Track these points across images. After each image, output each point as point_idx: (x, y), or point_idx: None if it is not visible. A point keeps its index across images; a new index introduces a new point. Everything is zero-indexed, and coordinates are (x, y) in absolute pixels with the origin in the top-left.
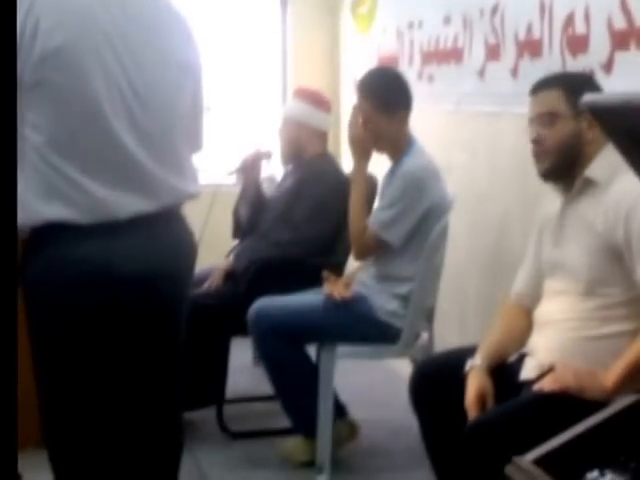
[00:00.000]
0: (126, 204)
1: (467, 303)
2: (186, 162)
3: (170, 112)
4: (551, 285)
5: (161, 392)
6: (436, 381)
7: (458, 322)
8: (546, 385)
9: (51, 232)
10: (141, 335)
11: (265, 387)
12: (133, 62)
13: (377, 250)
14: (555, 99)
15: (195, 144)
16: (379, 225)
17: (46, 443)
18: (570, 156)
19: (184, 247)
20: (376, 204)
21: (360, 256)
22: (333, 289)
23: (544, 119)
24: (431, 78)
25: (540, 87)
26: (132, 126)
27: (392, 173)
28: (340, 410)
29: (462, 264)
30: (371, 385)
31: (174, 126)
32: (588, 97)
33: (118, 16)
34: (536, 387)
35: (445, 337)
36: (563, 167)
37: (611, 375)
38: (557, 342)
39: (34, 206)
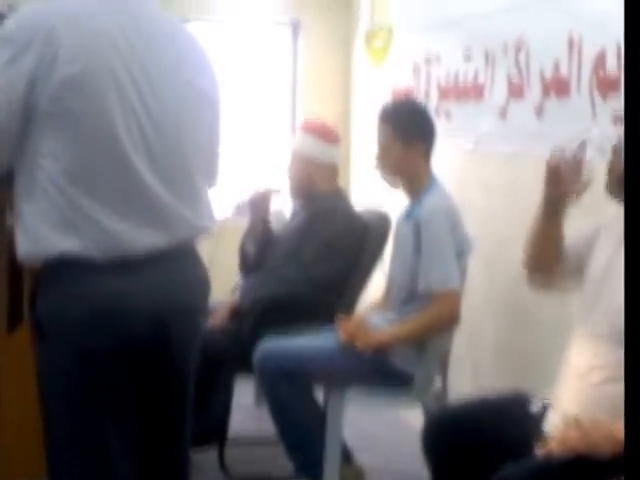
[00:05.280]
0: (141, 239)
1: (482, 350)
2: (202, 195)
3: (187, 144)
4: (585, 321)
5: (170, 431)
6: (452, 435)
7: (472, 369)
8: (554, 449)
9: (64, 265)
10: (152, 373)
11: (267, 428)
12: (151, 92)
13: (458, 302)
14: None
15: (210, 178)
16: (444, 281)
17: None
18: None
19: (198, 284)
20: (396, 251)
21: (454, 322)
22: (354, 338)
23: None
24: (448, 115)
25: None
26: (149, 157)
27: (410, 211)
28: (345, 455)
29: (477, 309)
30: (377, 430)
31: (191, 158)
32: None
33: (138, 45)
34: (542, 452)
35: (458, 384)
36: None
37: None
38: (583, 394)
39: (48, 238)
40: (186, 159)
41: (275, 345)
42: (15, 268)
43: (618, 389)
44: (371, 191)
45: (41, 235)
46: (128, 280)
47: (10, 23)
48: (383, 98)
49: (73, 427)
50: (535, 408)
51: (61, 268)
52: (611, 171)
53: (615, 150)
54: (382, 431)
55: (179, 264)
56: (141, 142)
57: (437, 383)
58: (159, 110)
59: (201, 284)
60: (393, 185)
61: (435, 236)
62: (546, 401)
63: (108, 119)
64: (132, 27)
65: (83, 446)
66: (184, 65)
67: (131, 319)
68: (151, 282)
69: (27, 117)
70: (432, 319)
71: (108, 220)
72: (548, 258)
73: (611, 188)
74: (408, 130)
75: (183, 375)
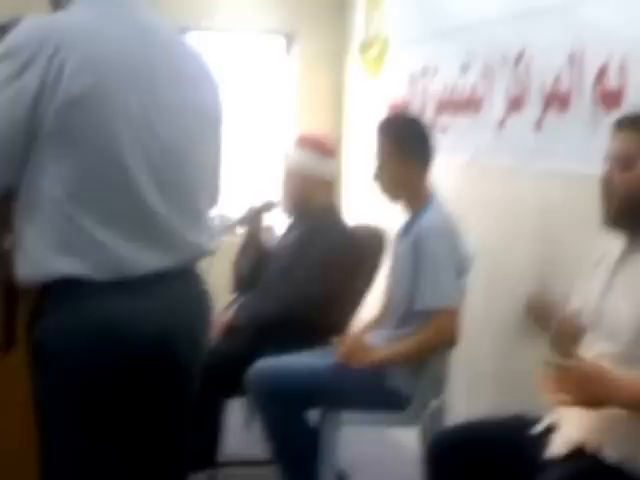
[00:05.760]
0: (144, 261)
1: (478, 371)
2: (204, 215)
3: (191, 163)
4: (587, 344)
5: (170, 454)
6: (455, 458)
7: (469, 389)
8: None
9: (66, 288)
10: (155, 395)
11: (258, 449)
12: (157, 111)
13: (456, 321)
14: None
15: (212, 197)
16: (442, 299)
17: None
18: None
19: (201, 306)
20: (394, 268)
21: (453, 341)
22: (351, 356)
23: (620, 162)
24: (445, 128)
25: (625, 125)
26: (154, 178)
27: (409, 227)
28: (340, 477)
29: (474, 330)
30: (371, 451)
31: (194, 178)
32: None
33: (143, 63)
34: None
35: (455, 404)
36: (627, 215)
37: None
38: (589, 418)
39: (49, 260)
40: (189, 179)
41: (269, 365)
42: (10, 289)
43: (623, 411)
44: (364, 205)
45: (42, 257)
46: (131, 302)
47: (15, 35)
48: (378, 110)
49: (71, 449)
50: (538, 431)
51: (62, 291)
52: (606, 201)
53: (605, 179)
54: (377, 452)
55: (181, 286)
56: (146, 162)
57: (434, 403)
58: (164, 129)
59: (203, 306)
60: (392, 200)
61: (434, 253)
62: (550, 424)
63: (113, 139)
64: (139, 43)
65: (82, 469)
66: (189, 82)
67: (134, 342)
68: (154, 304)
69: (30, 134)
70: (431, 338)
71: (111, 242)
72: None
73: (608, 218)
74: (407, 145)
75: (186, 397)
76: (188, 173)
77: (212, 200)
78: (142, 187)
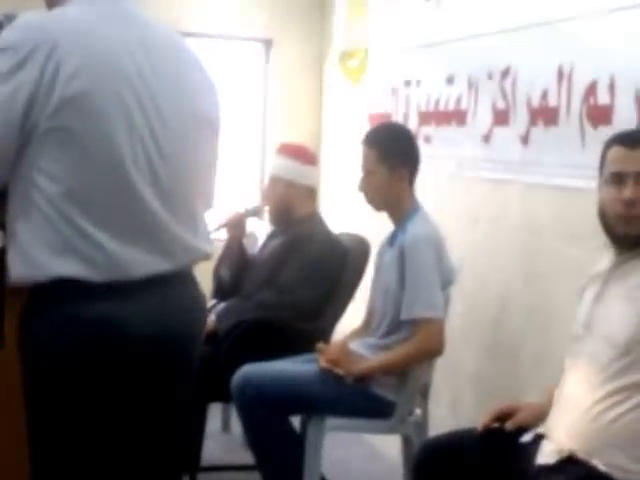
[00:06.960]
0: (142, 263)
1: (460, 382)
2: (200, 219)
3: (189, 166)
4: (579, 352)
5: (161, 454)
6: (444, 465)
7: (450, 401)
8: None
9: (62, 289)
10: (149, 395)
11: (236, 455)
12: (156, 112)
13: (442, 331)
14: None
15: (208, 201)
16: (428, 310)
17: None
18: None
19: (196, 311)
20: (378, 278)
21: (439, 351)
22: (336, 364)
23: None
24: (428, 139)
25: None
26: (152, 179)
27: (394, 238)
28: None
29: (457, 341)
30: (353, 460)
31: (192, 181)
32: None
33: (143, 64)
34: None
35: (436, 415)
36: None
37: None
38: (579, 427)
39: (45, 261)
40: (187, 183)
41: (254, 371)
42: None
43: (616, 418)
44: (343, 214)
45: (37, 256)
46: (126, 305)
47: (11, 32)
48: (359, 119)
49: (63, 447)
50: (528, 440)
51: (57, 291)
52: (631, 224)
53: (626, 201)
54: (358, 460)
55: (178, 290)
56: (146, 166)
57: (417, 411)
58: (164, 133)
59: (198, 311)
60: (377, 210)
61: (420, 264)
62: (539, 432)
63: (112, 141)
64: (139, 46)
65: (72, 466)
66: (188, 86)
67: (129, 344)
68: (152, 306)
69: (25, 133)
70: (416, 349)
71: (109, 242)
72: None
73: (633, 241)
74: (394, 155)
75: (179, 399)
76: (186, 176)
77: (207, 204)
78: (140, 188)
